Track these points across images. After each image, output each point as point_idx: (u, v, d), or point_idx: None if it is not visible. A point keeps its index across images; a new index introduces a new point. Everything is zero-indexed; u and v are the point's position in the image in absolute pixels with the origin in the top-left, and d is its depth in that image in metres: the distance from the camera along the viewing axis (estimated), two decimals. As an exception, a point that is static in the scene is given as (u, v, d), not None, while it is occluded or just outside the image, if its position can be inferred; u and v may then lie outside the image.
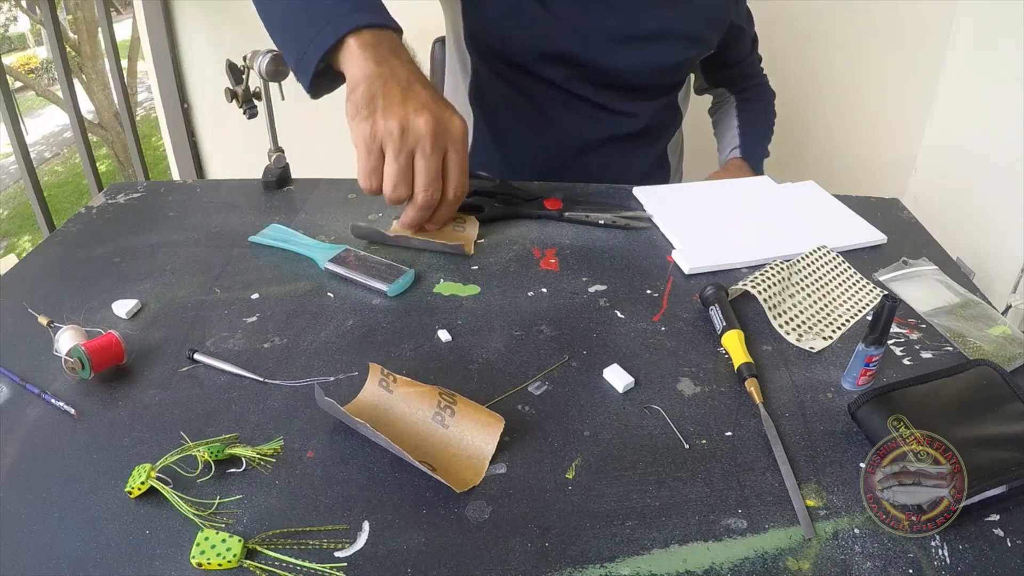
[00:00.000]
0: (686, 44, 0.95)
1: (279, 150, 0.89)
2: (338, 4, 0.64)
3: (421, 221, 0.68)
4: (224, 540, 0.42)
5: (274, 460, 0.49)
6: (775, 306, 0.65)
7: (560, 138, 0.98)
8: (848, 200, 0.86)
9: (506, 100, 0.98)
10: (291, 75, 0.81)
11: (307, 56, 0.64)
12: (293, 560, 0.42)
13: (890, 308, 0.52)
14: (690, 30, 0.94)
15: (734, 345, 0.59)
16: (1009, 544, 0.44)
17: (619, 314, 0.65)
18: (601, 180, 0.93)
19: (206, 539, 0.42)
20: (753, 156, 1.08)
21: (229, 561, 0.41)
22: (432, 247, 0.70)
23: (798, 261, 0.72)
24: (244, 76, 0.86)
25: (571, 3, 0.90)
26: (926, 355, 0.61)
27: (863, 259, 0.74)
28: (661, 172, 1.10)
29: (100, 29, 2.71)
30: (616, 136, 0.99)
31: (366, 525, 0.44)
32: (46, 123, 8.66)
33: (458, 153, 0.64)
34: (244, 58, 0.84)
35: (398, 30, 0.67)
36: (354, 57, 0.62)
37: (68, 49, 6.41)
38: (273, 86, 0.85)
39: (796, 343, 0.61)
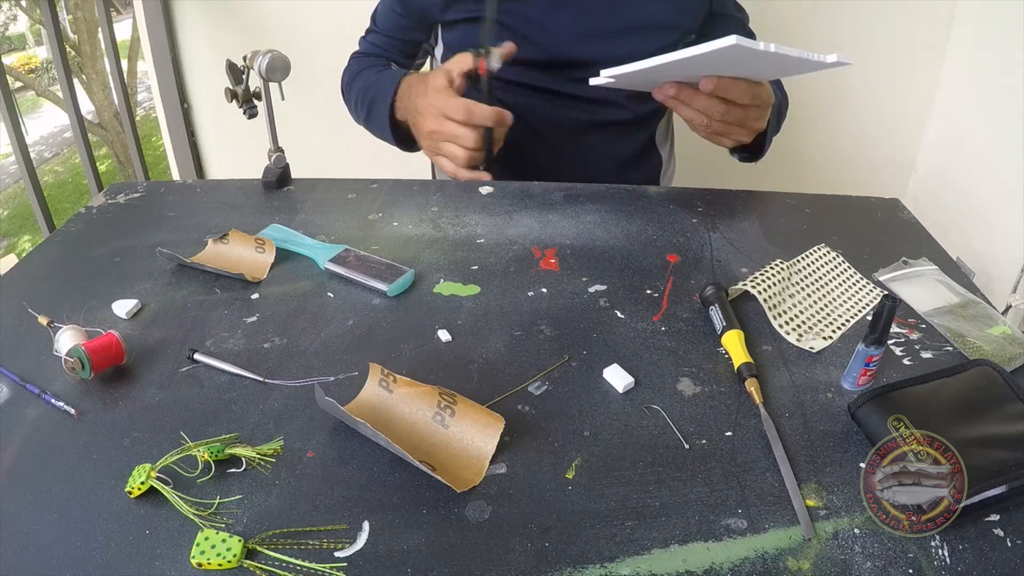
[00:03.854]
0: (661, 32, 0.95)
1: (279, 150, 0.89)
2: (382, 95, 0.93)
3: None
4: (224, 540, 0.42)
5: (274, 460, 0.49)
6: (775, 306, 0.65)
7: (543, 130, 0.99)
8: (848, 200, 0.87)
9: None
10: (291, 75, 0.85)
11: (385, 136, 0.95)
12: (293, 560, 0.42)
13: (890, 308, 0.52)
14: (663, 18, 0.94)
15: (734, 345, 0.59)
16: (1009, 544, 0.44)
17: (619, 314, 0.65)
18: (588, 167, 0.92)
19: (206, 539, 0.42)
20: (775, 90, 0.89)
21: (229, 561, 0.41)
22: (221, 273, 0.69)
23: (798, 261, 0.72)
24: (244, 76, 0.86)
25: (542, 8, 0.91)
26: (926, 355, 0.61)
27: (863, 259, 0.74)
28: (650, 161, 1.10)
29: (100, 29, 2.71)
30: (598, 123, 0.99)
31: (366, 525, 0.44)
32: (46, 123, 8.66)
33: (439, 92, 0.82)
34: (244, 58, 0.84)
35: (407, 74, 0.93)
36: (401, 116, 0.92)
37: (68, 49, 6.41)
38: (273, 86, 0.85)
39: (796, 343, 0.61)
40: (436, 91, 0.82)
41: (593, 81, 0.77)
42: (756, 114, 0.80)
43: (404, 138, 0.94)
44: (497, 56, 0.81)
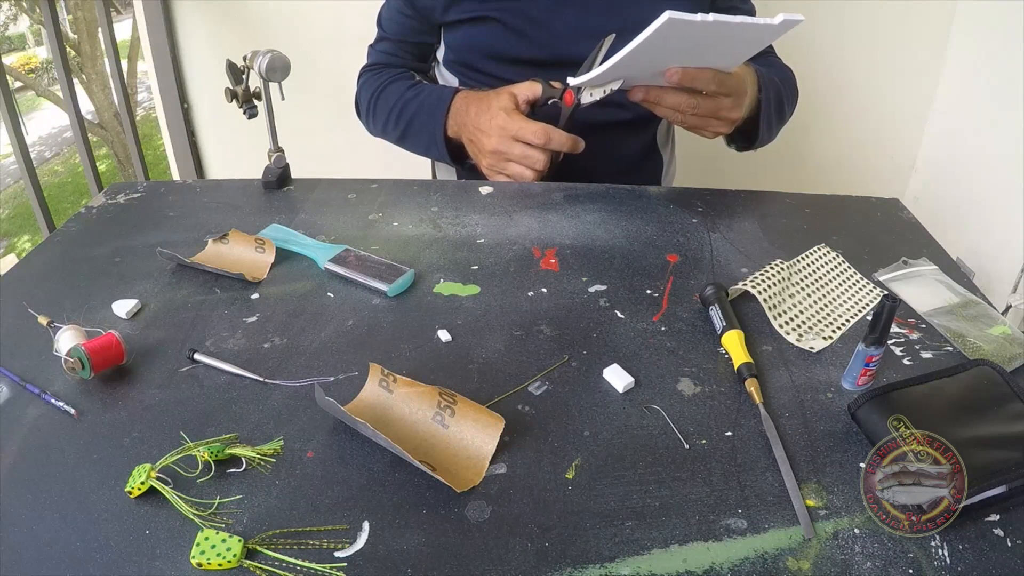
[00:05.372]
0: None
1: (279, 150, 0.89)
2: (428, 110, 0.94)
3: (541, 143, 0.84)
4: (224, 540, 0.42)
5: (274, 460, 0.49)
6: (775, 306, 0.65)
7: None
8: (848, 200, 0.86)
9: None
10: (291, 75, 0.85)
11: (431, 151, 0.97)
12: (293, 560, 0.42)
13: (890, 308, 0.52)
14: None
15: (734, 345, 0.59)
16: (1009, 544, 0.44)
17: (619, 314, 0.65)
18: (592, 167, 0.93)
19: (206, 539, 0.42)
20: (766, 82, 0.89)
21: (229, 561, 0.41)
22: (221, 273, 0.69)
23: (798, 261, 0.72)
24: (244, 76, 0.86)
25: (544, 7, 0.91)
26: (926, 355, 0.61)
27: (863, 259, 0.74)
28: (651, 162, 1.09)
29: (100, 29, 2.70)
30: (599, 124, 0.99)
31: (366, 525, 0.45)
32: (46, 123, 8.65)
33: (510, 114, 0.84)
34: (244, 58, 0.84)
35: (458, 90, 0.93)
36: (453, 132, 0.92)
37: (68, 49, 6.40)
38: (273, 86, 0.85)
39: (796, 343, 0.61)
40: (507, 112, 0.83)
41: (571, 81, 0.80)
42: (728, 103, 0.81)
43: (453, 153, 0.95)
44: (590, 93, 0.81)
